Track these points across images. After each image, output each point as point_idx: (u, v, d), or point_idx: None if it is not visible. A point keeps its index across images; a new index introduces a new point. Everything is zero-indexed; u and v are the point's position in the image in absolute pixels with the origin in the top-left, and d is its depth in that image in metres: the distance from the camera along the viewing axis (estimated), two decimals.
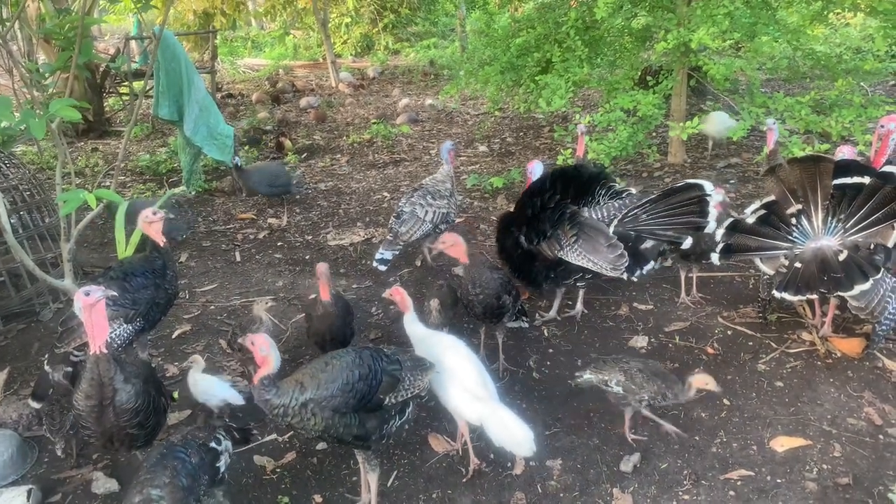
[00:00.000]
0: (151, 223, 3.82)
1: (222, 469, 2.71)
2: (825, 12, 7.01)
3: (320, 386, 2.69)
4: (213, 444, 2.70)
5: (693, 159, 7.77)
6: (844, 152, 4.32)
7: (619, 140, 6.22)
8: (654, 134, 8.17)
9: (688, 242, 4.05)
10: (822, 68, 6.97)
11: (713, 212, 3.91)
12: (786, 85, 9.98)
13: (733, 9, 5.90)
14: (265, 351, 2.77)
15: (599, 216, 4.21)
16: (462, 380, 3.01)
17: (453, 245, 3.68)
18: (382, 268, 4.92)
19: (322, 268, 3.69)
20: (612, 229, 4.06)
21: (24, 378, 4.09)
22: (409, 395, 2.88)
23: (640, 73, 7.72)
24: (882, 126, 4.26)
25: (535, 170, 4.78)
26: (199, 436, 2.72)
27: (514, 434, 2.88)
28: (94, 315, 2.67)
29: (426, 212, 4.99)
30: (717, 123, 7.38)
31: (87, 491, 3.16)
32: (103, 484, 3.16)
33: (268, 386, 2.69)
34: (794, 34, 6.68)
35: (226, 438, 2.82)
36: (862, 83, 8.32)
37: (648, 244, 4.11)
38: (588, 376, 3.32)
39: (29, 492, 3.03)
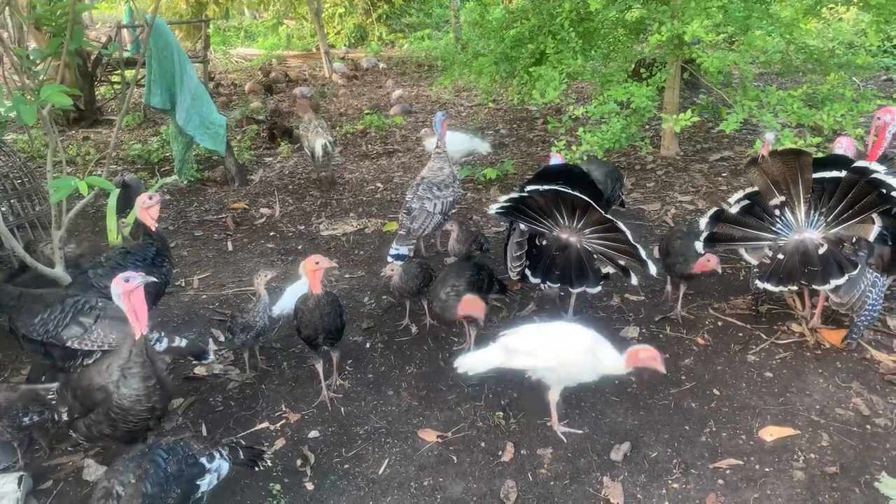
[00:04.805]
0: (148, 208, 3.80)
1: (203, 488, 2.61)
2: (818, 7, 7.02)
3: None
4: (202, 460, 2.61)
5: (685, 152, 7.80)
6: (843, 144, 4.29)
7: (612, 132, 6.23)
8: (647, 126, 8.16)
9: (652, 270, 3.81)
10: (814, 62, 6.99)
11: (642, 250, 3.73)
12: (778, 79, 10.00)
13: (727, 2, 5.91)
14: None
15: None
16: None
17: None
18: (399, 263, 4.90)
19: (317, 260, 3.53)
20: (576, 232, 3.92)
21: (15, 366, 4.08)
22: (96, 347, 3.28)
23: (633, 66, 7.71)
24: (878, 118, 4.20)
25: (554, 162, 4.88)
26: (192, 445, 2.64)
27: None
28: (134, 300, 2.80)
29: (434, 204, 5.01)
30: (456, 143, 7.01)
31: (78, 478, 3.17)
32: (94, 471, 3.16)
33: None
34: (788, 28, 6.69)
35: (222, 458, 2.70)
36: (854, 77, 8.35)
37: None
38: None
39: (20, 479, 3.02)
